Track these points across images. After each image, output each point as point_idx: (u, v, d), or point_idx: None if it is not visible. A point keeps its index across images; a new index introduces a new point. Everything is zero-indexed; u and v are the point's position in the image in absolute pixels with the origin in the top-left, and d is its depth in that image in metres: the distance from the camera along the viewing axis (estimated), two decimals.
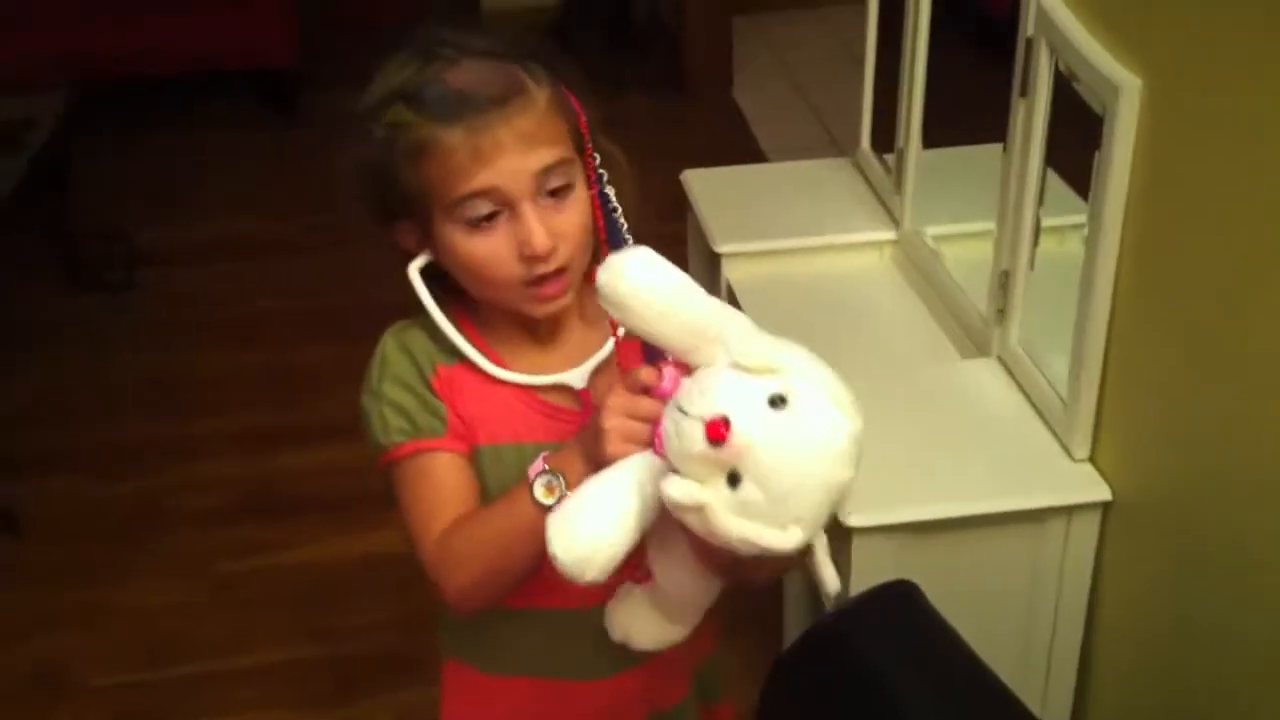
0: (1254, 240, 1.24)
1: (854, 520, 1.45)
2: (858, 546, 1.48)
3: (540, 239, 1.02)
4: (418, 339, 1.11)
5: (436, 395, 1.09)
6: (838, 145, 3.37)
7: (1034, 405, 1.62)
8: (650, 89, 3.82)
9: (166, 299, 3.11)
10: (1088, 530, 1.53)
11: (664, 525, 0.99)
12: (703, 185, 2.16)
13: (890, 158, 2.05)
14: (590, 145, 1.08)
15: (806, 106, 3.81)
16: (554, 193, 1.04)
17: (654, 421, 0.93)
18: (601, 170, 1.08)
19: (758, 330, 0.94)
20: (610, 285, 0.93)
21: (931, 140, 1.97)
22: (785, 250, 1.99)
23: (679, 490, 0.88)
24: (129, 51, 3.67)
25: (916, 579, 1.27)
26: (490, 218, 1.03)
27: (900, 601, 1.15)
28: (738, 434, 0.87)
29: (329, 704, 2.07)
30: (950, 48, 1.94)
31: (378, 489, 2.71)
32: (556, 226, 1.03)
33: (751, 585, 1.07)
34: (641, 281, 0.92)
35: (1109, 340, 1.48)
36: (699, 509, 0.87)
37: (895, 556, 1.48)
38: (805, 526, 0.88)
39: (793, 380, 0.89)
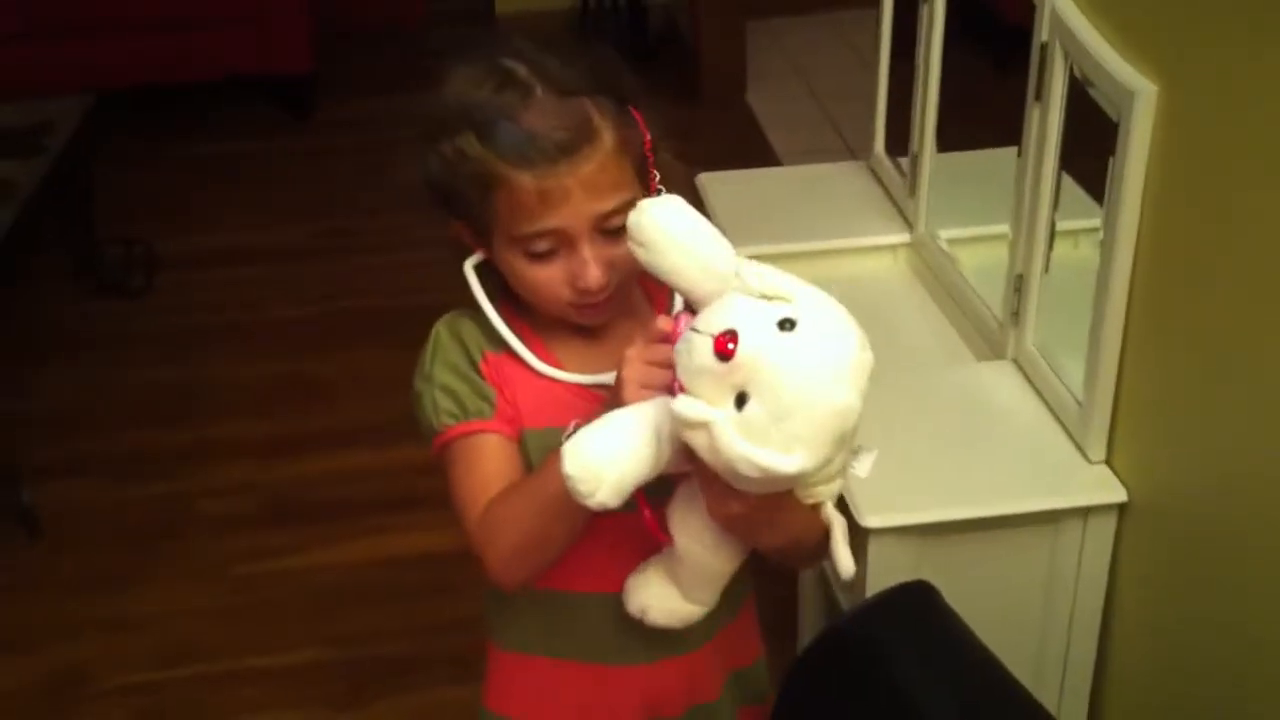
0: (1269, 244, 1.24)
1: (870, 521, 1.45)
2: (874, 547, 1.48)
3: (593, 277, 1.06)
4: (469, 328, 1.14)
5: (486, 380, 1.12)
6: (851, 149, 3.38)
7: (1049, 408, 1.62)
8: (665, 94, 3.85)
9: (183, 305, 3.13)
10: (1103, 532, 1.53)
11: (687, 490, 1.01)
12: (718, 189, 2.17)
13: (904, 161, 2.06)
14: (653, 167, 1.09)
15: (820, 111, 3.81)
16: (613, 227, 1.05)
17: (672, 368, 0.94)
18: (660, 187, 1.09)
19: (776, 270, 0.96)
20: (637, 224, 0.96)
21: (945, 144, 1.98)
22: (799, 253, 1.99)
23: (687, 406, 0.90)
24: (145, 59, 3.69)
25: (933, 580, 1.27)
26: (546, 249, 1.06)
27: (918, 601, 1.16)
28: (744, 349, 0.89)
29: (342, 706, 2.08)
30: (963, 52, 1.94)
31: (391, 495, 2.71)
32: (612, 258, 1.06)
33: (768, 555, 1.07)
34: (667, 222, 0.95)
35: (1124, 343, 1.48)
36: (705, 426, 0.89)
37: (911, 558, 1.49)
38: (808, 451, 0.89)
39: (804, 308, 0.91)
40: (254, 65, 3.80)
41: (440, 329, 1.15)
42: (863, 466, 1.04)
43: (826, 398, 0.88)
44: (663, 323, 0.98)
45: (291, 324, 3.05)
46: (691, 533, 1.03)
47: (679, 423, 0.90)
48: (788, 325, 0.90)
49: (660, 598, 1.07)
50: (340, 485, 2.53)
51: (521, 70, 1.05)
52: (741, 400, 0.89)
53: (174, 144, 3.81)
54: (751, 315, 0.91)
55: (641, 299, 1.16)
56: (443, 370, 1.12)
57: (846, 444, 0.93)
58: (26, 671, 2.16)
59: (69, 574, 2.35)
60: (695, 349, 0.91)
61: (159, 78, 3.76)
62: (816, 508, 1.03)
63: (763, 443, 0.88)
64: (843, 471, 1.02)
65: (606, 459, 0.94)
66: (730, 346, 0.89)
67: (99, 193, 3.16)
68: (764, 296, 0.93)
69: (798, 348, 0.89)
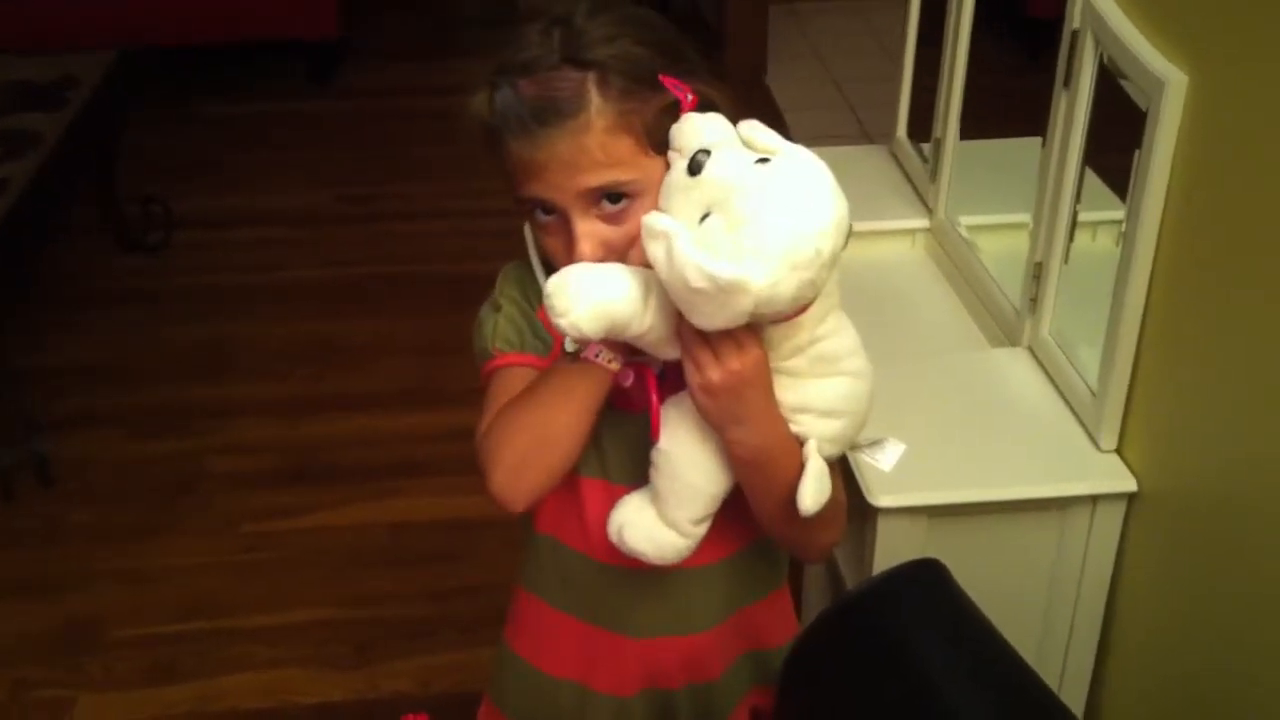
0: None
1: (881, 501, 1.47)
2: (883, 527, 1.50)
3: (582, 251, 1.04)
4: (529, 279, 1.16)
5: (546, 328, 1.13)
6: (868, 135, 3.39)
7: (1063, 395, 1.63)
8: None
9: (206, 265, 3.15)
10: (1112, 520, 1.54)
11: (679, 396, 1.04)
12: None
13: (926, 147, 2.07)
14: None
15: (839, 95, 3.82)
16: (615, 202, 1.04)
17: None
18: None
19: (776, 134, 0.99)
20: (678, 131, 1.01)
21: (965, 132, 1.98)
22: None
23: (653, 217, 0.95)
24: (174, 19, 3.70)
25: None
26: (550, 214, 1.06)
27: (928, 578, 1.17)
28: (713, 166, 0.95)
29: (349, 666, 2.10)
30: (985, 41, 1.95)
31: (406, 460, 2.72)
32: (607, 237, 1.04)
33: (745, 480, 1.06)
34: (703, 131, 1.00)
35: (1141, 334, 1.49)
36: (665, 238, 0.93)
37: (920, 538, 1.50)
38: (759, 265, 0.92)
39: (786, 156, 0.96)
40: (282, 29, 3.80)
41: (509, 269, 1.18)
42: (887, 459, 1.04)
43: (784, 216, 0.92)
44: None
45: (313, 287, 3.07)
46: (676, 436, 1.05)
47: (644, 234, 0.94)
48: (764, 162, 0.95)
49: (638, 516, 1.07)
50: (355, 449, 2.55)
51: (557, 35, 1.04)
52: (705, 218, 0.94)
53: (201, 105, 3.82)
54: (731, 145, 0.96)
55: None
56: (510, 304, 1.15)
57: (801, 275, 0.93)
58: (41, 618, 2.18)
59: (86, 525, 2.38)
60: (673, 168, 0.98)
61: (187, 38, 3.77)
62: (801, 442, 1.04)
63: (715, 254, 0.91)
64: (832, 415, 1.04)
65: (589, 283, 0.97)
66: (700, 162, 0.95)
67: (124, 151, 3.18)
68: (749, 145, 0.97)
69: (767, 175, 0.94)
